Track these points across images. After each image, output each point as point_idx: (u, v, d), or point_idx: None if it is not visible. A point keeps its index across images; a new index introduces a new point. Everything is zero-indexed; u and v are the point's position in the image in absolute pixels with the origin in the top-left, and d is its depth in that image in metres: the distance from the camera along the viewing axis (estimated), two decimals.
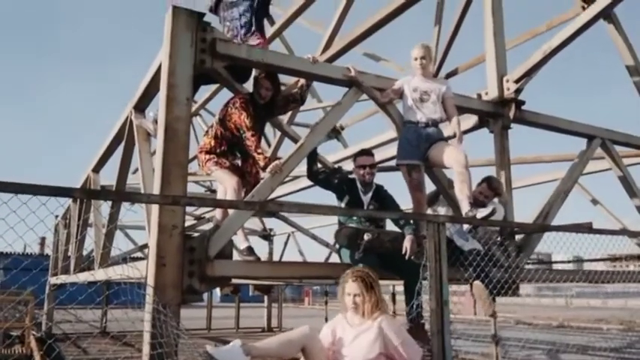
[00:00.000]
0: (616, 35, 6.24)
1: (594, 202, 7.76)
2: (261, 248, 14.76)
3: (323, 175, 4.55)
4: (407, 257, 3.84)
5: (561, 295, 34.02)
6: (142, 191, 4.34)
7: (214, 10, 5.02)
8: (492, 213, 4.10)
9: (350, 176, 4.59)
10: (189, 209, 11.78)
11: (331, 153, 7.91)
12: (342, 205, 4.27)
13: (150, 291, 3.22)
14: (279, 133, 8.34)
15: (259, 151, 4.12)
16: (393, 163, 5.52)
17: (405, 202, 4.86)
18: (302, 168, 4.63)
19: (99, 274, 5.28)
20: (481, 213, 4.07)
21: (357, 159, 4.40)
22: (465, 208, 4.11)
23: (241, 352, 2.89)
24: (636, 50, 6.33)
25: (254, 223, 14.65)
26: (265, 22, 8.14)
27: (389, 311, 3.49)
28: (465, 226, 4.22)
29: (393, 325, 3.15)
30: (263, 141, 10.38)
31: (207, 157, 4.37)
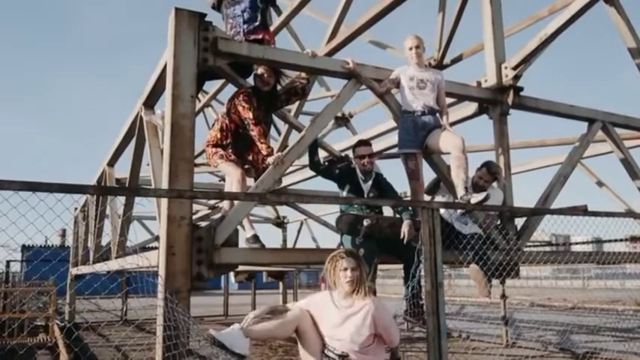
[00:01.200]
0: (617, 18, 6.24)
1: (599, 184, 7.82)
2: (275, 235, 15.05)
3: (324, 166, 4.75)
4: (405, 241, 4.02)
5: (579, 277, 33.91)
6: (153, 184, 4.55)
7: (217, 7, 5.16)
8: (486, 198, 4.22)
9: (351, 166, 4.75)
10: (203, 199, 12.04)
11: (340, 141, 8.07)
12: (344, 193, 4.46)
13: (161, 280, 3.43)
14: None
15: (262, 140, 4.30)
16: (395, 150, 5.67)
17: (407, 188, 5.01)
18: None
19: (113, 264, 5.52)
20: (475, 198, 4.20)
21: (356, 149, 4.61)
22: (460, 192, 4.25)
23: (241, 334, 3.10)
24: (638, 32, 6.34)
25: (267, 211, 14.90)
26: (272, 12, 8.31)
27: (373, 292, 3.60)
28: (459, 211, 4.35)
29: (381, 307, 3.28)
30: (273, 130, 10.61)
31: (214, 150, 4.56)
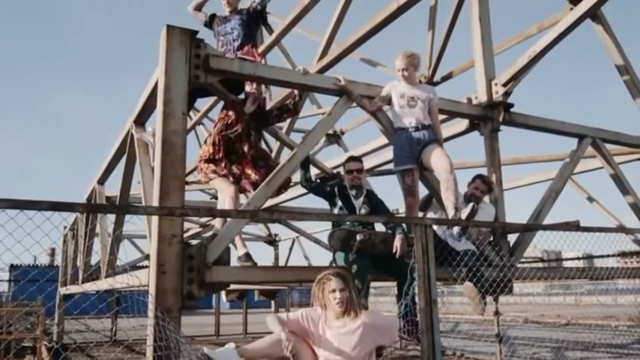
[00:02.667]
0: (605, 35, 6.34)
1: (590, 199, 7.86)
2: (267, 254, 14.96)
3: (316, 183, 4.75)
4: (397, 256, 4.00)
5: (572, 293, 33.89)
6: (143, 202, 4.51)
7: (209, 24, 5.20)
8: (473, 209, 4.23)
9: (342, 183, 4.75)
10: (195, 217, 11.97)
11: (332, 158, 8.07)
12: (336, 210, 4.45)
13: (151, 298, 3.37)
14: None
15: None
16: (389, 166, 5.67)
17: (401, 204, 5.00)
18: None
19: (104, 284, 5.44)
20: (464, 213, 4.20)
21: (346, 165, 4.67)
22: (450, 213, 4.25)
23: (235, 354, 3.05)
24: (626, 49, 6.43)
25: (259, 229, 14.83)
26: (264, 31, 8.36)
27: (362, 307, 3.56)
28: (455, 230, 4.34)
29: (373, 315, 3.26)
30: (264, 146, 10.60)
31: (206, 165, 4.54)
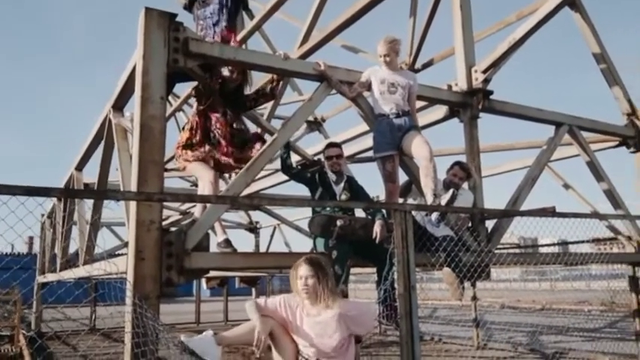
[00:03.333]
0: (582, 23, 6.41)
1: (566, 186, 7.99)
2: (248, 241, 14.93)
3: (296, 169, 4.74)
4: (377, 241, 4.03)
5: (547, 279, 34.57)
6: (122, 188, 4.45)
7: (188, 7, 5.11)
8: (454, 195, 4.27)
9: (323, 169, 4.75)
10: (175, 205, 11.88)
11: (313, 145, 8.06)
12: (317, 197, 4.45)
13: (129, 285, 3.34)
14: None
15: None
16: (370, 154, 5.68)
17: (381, 191, 5.02)
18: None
19: (81, 272, 5.38)
20: (444, 199, 4.24)
21: (326, 151, 4.68)
22: (429, 199, 4.28)
23: (213, 341, 3.05)
24: (603, 37, 6.51)
25: (240, 216, 14.79)
26: (245, 16, 8.26)
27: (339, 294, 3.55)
28: (434, 216, 4.37)
29: (349, 304, 3.27)
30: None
31: (184, 151, 4.50)
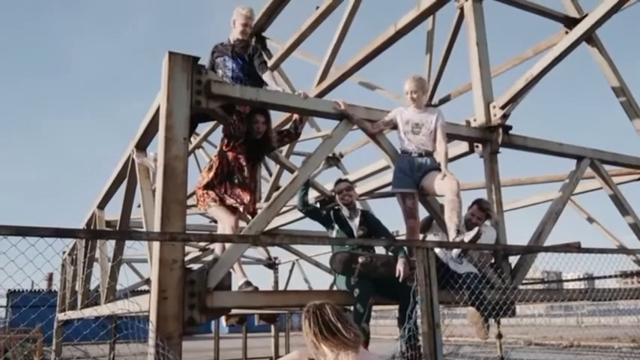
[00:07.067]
0: (600, 58, 6.43)
1: (590, 220, 7.87)
2: (266, 277, 14.85)
3: (311, 207, 4.78)
4: (400, 280, 3.98)
5: (573, 314, 33.61)
6: (144, 227, 4.50)
7: (212, 66, 5.06)
8: (478, 233, 4.21)
9: (335, 207, 4.77)
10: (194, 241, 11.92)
11: (330, 181, 8.09)
12: (333, 234, 4.46)
13: (152, 326, 3.35)
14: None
15: None
16: (389, 189, 5.69)
17: (401, 226, 4.99)
18: None
19: (104, 310, 5.40)
20: (468, 236, 4.18)
21: (335, 187, 4.75)
22: (452, 235, 4.23)
23: None
24: (621, 70, 6.51)
25: (259, 252, 14.76)
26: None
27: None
28: (455, 252, 4.32)
29: (365, 356, 2.96)
30: (264, 171, 10.63)
31: (204, 192, 4.53)
